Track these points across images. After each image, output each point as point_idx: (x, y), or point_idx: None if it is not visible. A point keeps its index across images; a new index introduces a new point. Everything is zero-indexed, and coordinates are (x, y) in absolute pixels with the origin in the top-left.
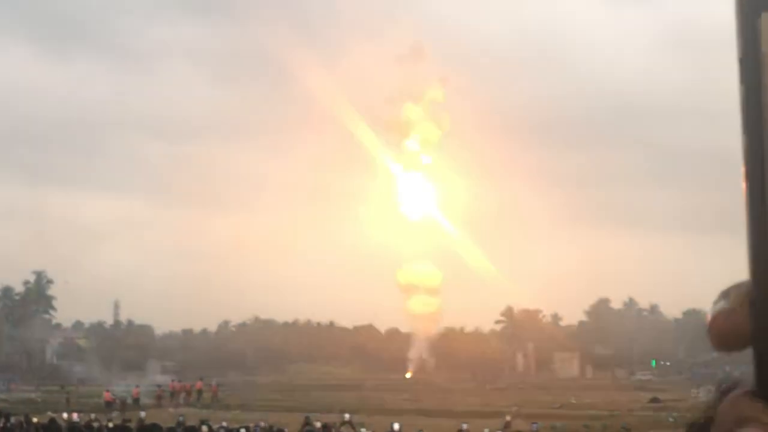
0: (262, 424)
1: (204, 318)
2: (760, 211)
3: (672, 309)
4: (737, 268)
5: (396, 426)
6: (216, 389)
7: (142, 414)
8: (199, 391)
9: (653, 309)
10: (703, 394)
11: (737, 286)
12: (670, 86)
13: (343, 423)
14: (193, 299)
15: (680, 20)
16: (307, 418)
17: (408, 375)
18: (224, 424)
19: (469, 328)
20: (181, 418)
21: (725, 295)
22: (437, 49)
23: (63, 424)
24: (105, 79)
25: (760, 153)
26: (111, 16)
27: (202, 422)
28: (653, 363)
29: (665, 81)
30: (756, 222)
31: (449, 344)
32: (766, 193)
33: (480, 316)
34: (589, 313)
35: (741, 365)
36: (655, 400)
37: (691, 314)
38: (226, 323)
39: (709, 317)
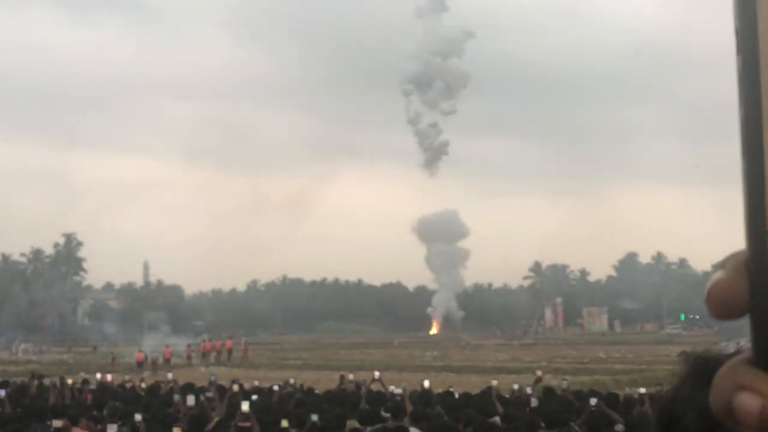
0: (292, 381)
1: (232, 278)
2: (755, 178)
3: (700, 262)
4: None
5: (426, 383)
6: (246, 348)
7: (170, 375)
8: (230, 350)
9: (681, 263)
10: (732, 348)
11: (733, 256)
12: (698, 39)
13: (373, 380)
14: (222, 260)
15: None
16: (342, 377)
17: (433, 332)
18: (255, 383)
19: (497, 284)
20: (212, 377)
21: (722, 265)
22: (460, 3)
23: (97, 386)
24: (131, 40)
25: (757, 122)
26: None
27: (233, 381)
28: (682, 317)
29: (692, 33)
30: (752, 187)
31: (477, 300)
32: (765, 158)
33: (508, 271)
34: (617, 268)
35: None
36: (684, 353)
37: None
38: (254, 283)
39: (707, 287)
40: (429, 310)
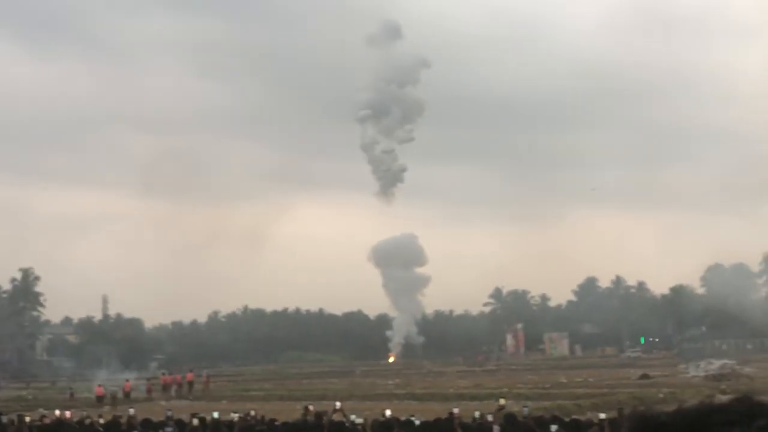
0: (253, 413)
1: (193, 310)
2: None
3: (658, 285)
4: (721, 244)
5: (388, 412)
6: (207, 380)
7: (131, 411)
8: (190, 383)
9: (640, 286)
10: (692, 370)
11: None
12: (653, 65)
13: (335, 411)
14: (181, 292)
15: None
16: (305, 408)
17: (391, 360)
18: (215, 415)
19: (458, 311)
20: (169, 413)
21: None
22: (413, 31)
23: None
24: (88, 74)
25: None
26: (93, 12)
27: (193, 415)
28: (642, 340)
29: (645, 59)
30: None
31: (438, 327)
32: None
33: (468, 298)
34: (577, 293)
35: (728, 339)
36: (644, 376)
37: (678, 290)
38: (215, 314)
39: None
40: (389, 333)
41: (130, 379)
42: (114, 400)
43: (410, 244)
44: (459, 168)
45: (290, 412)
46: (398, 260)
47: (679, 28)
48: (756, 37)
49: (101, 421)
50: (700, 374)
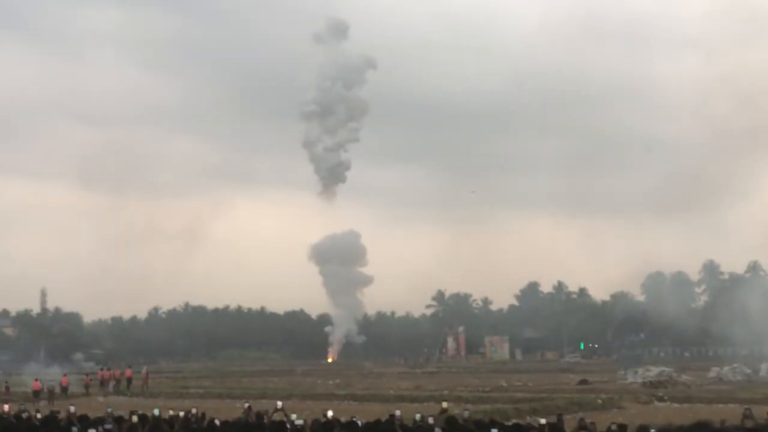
0: (194, 411)
1: (133, 305)
2: None
3: (599, 292)
4: (663, 252)
5: (330, 413)
6: (146, 377)
7: (72, 408)
8: (129, 379)
9: (581, 292)
10: (630, 376)
11: None
12: (595, 74)
13: (276, 410)
14: (121, 287)
15: (602, 9)
16: (248, 407)
17: (330, 360)
18: (156, 412)
19: (399, 313)
20: (109, 409)
21: None
22: (361, 31)
23: None
24: (31, 63)
25: None
26: (41, 1)
27: (132, 412)
28: (581, 345)
29: (588, 68)
30: None
31: (379, 328)
32: None
33: (410, 300)
34: (519, 297)
35: (666, 347)
36: (583, 381)
37: (619, 297)
38: (155, 310)
39: None
40: (327, 329)
41: (67, 373)
42: (51, 395)
43: (352, 242)
44: (402, 170)
45: (229, 410)
46: (339, 258)
47: (623, 38)
48: (698, 48)
49: (38, 415)
50: (638, 381)
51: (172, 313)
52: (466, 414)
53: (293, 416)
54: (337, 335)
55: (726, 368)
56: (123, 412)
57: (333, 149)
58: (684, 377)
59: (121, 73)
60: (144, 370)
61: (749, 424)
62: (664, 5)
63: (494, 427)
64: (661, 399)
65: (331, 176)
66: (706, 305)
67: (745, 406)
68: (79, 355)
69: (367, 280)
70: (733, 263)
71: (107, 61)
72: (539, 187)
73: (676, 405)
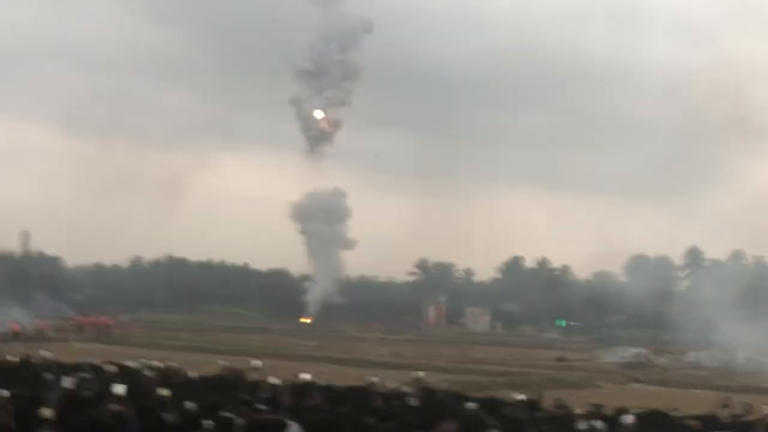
0: (173, 365)
1: (116, 253)
2: None
3: (583, 270)
4: (650, 232)
5: (306, 376)
6: (125, 326)
7: (47, 353)
8: (107, 327)
9: (564, 269)
10: (608, 356)
11: None
12: (593, 54)
13: (253, 369)
14: (105, 234)
15: None
16: (226, 366)
17: (308, 321)
18: (131, 363)
19: (382, 278)
20: (89, 359)
21: None
22: None
23: None
24: (28, 5)
25: None
26: None
27: (109, 362)
28: (562, 322)
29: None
30: None
31: (361, 292)
32: None
33: (394, 266)
34: (502, 270)
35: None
36: (561, 359)
37: (602, 276)
38: (138, 260)
39: None
40: (306, 284)
41: (46, 317)
42: (27, 339)
43: (336, 200)
44: (391, 136)
45: (205, 365)
46: (321, 215)
47: (617, 20)
48: (687, 34)
49: (11, 358)
50: (615, 361)
51: (155, 264)
52: (443, 385)
53: (271, 379)
54: (315, 295)
55: (703, 353)
56: (99, 360)
57: (321, 110)
58: (661, 360)
59: (119, 21)
60: (123, 318)
61: (726, 414)
62: None
63: (472, 401)
64: (637, 380)
65: (319, 137)
66: (687, 290)
67: (724, 395)
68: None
69: (350, 243)
70: (717, 250)
71: (106, 9)
72: (527, 161)
73: (652, 387)
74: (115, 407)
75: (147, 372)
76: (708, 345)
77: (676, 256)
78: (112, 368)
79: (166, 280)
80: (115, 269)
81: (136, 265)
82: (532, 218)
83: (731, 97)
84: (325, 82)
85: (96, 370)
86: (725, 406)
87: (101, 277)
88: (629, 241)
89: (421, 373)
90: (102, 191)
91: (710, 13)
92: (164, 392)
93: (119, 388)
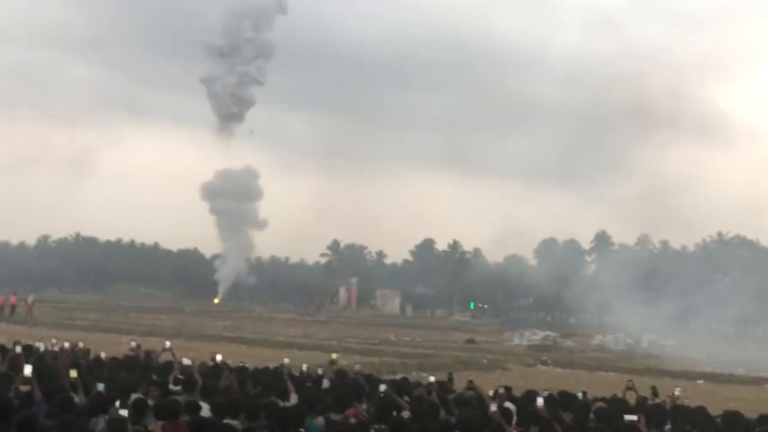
0: (81, 345)
1: (21, 231)
2: None
3: (494, 254)
4: (561, 218)
5: (219, 357)
6: (32, 305)
7: None
8: (13, 307)
9: (476, 252)
10: (516, 339)
11: None
12: (515, 39)
13: (164, 350)
14: (10, 211)
15: None
16: (138, 345)
17: (216, 300)
18: (38, 344)
19: (294, 259)
20: None
21: None
22: None
23: None
24: None
25: None
26: None
27: (15, 342)
28: (471, 305)
29: (510, 34)
30: None
31: (272, 273)
32: None
33: (306, 248)
34: (413, 253)
35: (554, 311)
36: (470, 341)
37: (512, 260)
38: (45, 238)
39: None
40: (216, 263)
41: None
42: None
43: (247, 179)
44: (304, 117)
45: (115, 345)
46: (232, 193)
47: (532, 6)
48: (602, 23)
49: None
50: (523, 343)
51: (62, 243)
52: (357, 367)
53: (184, 360)
54: (225, 274)
55: (609, 337)
56: (4, 340)
57: (233, 88)
58: (568, 343)
59: None
60: (30, 298)
61: (631, 396)
62: None
63: (383, 384)
64: (544, 363)
65: (230, 116)
66: (588, 274)
67: (628, 378)
68: None
69: (261, 224)
70: (625, 235)
71: None
72: (437, 144)
73: (558, 369)
74: (22, 388)
75: (55, 353)
76: (603, 328)
77: (585, 241)
78: (18, 349)
79: (75, 259)
80: (21, 247)
81: (43, 243)
82: (443, 201)
83: (633, 85)
84: (238, 60)
85: (1, 350)
86: (629, 388)
87: (6, 255)
88: (538, 224)
89: (335, 355)
90: (7, 168)
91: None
92: (73, 373)
93: (26, 369)
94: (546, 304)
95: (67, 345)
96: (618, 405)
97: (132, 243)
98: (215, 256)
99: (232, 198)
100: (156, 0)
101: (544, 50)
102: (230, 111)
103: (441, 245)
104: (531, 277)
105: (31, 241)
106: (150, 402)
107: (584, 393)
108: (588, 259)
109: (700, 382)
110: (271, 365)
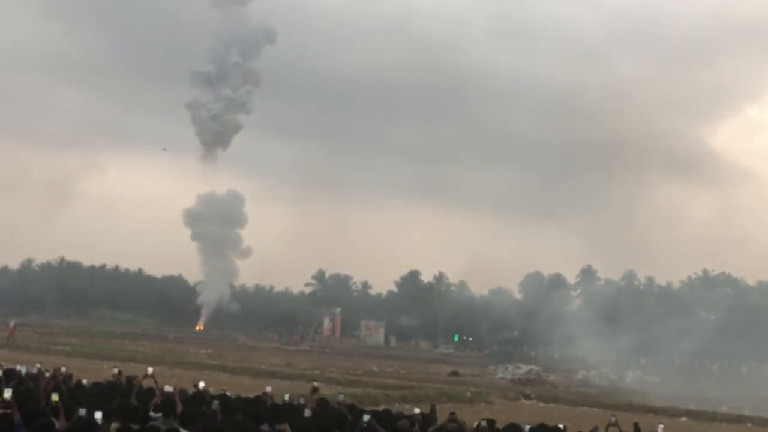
0: (64, 369)
1: (5, 255)
2: None
3: (479, 287)
4: (544, 252)
5: (201, 384)
6: (13, 329)
7: None
8: None
9: (461, 285)
10: (500, 372)
11: None
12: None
13: (146, 376)
14: None
15: (511, 9)
16: (119, 372)
17: (199, 328)
18: (18, 367)
19: (279, 288)
20: None
21: None
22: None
23: None
24: None
25: None
26: None
27: None
28: (456, 338)
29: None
30: None
31: (257, 302)
32: None
33: (291, 277)
34: (398, 284)
35: (538, 346)
36: (454, 373)
37: (497, 293)
38: (29, 262)
39: None
40: (198, 287)
41: None
42: None
43: (231, 202)
44: (289, 145)
45: (97, 371)
46: (216, 218)
47: (523, 38)
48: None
49: None
50: (507, 377)
51: (46, 267)
52: (341, 397)
53: (166, 387)
54: (207, 300)
55: (593, 372)
56: None
57: (218, 114)
58: (552, 377)
59: (18, 19)
60: (12, 322)
61: (614, 431)
62: (556, 8)
63: (366, 414)
64: (528, 397)
65: (214, 141)
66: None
67: (612, 414)
68: None
69: (245, 251)
70: (611, 270)
71: (4, 6)
72: (428, 177)
73: (541, 404)
74: (1, 411)
75: (36, 376)
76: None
77: (570, 275)
78: None
79: (58, 284)
80: (4, 271)
81: (27, 267)
82: (429, 234)
83: (608, 121)
84: (223, 87)
85: None
86: (612, 424)
87: None
88: (522, 258)
89: (316, 383)
90: None
91: (596, 35)
92: (55, 397)
93: (6, 392)
94: (528, 338)
95: (47, 369)
96: None
97: (116, 268)
98: (199, 283)
99: (215, 223)
100: (143, 26)
101: (521, 82)
102: (214, 137)
103: (426, 276)
104: (516, 311)
105: (14, 264)
106: (132, 428)
107: (564, 427)
108: (573, 293)
109: (684, 419)
110: (254, 393)
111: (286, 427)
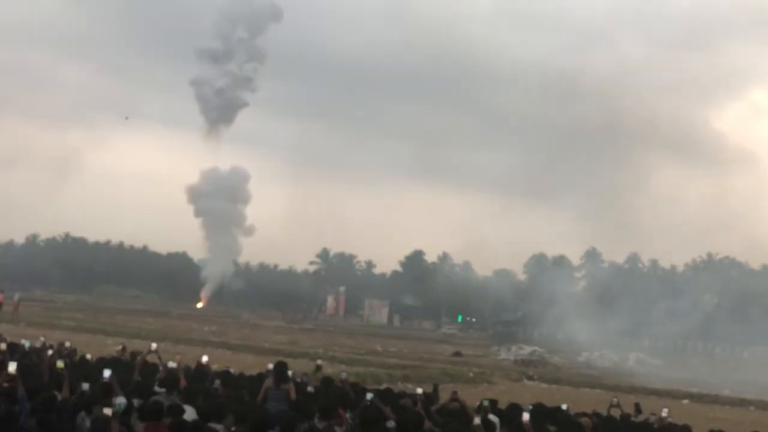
0: (68, 344)
1: (11, 229)
2: None
3: (483, 268)
4: (548, 234)
5: (204, 358)
6: (17, 304)
7: None
8: None
9: (465, 266)
10: (503, 353)
11: None
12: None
13: (149, 352)
14: (1, 209)
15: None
16: (123, 347)
17: (200, 305)
18: (23, 341)
19: (283, 266)
20: None
21: None
22: None
23: None
24: None
25: None
26: None
27: (1, 339)
28: (459, 318)
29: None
30: None
31: (260, 279)
32: None
33: (295, 255)
34: (403, 264)
35: (542, 327)
36: (457, 354)
37: (501, 274)
38: (34, 237)
39: None
40: (201, 265)
41: None
42: None
43: (236, 179)
44: (294, 124)
45: (101, 346)
46: (220, 195)
47: (535, 23)
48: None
49: None
50: (510, 358)
51: (51, 242)
52: (344, 375)
53: (170, 363)
54: (210, 276)
55: (596, 354)
56: None
57: (223, 89)
58: (555, 359)
59: None
60: (16, 296)
61: (616, 413)
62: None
63: (369, 393)
64: (530, 378)
65: (218, 118)
66: (583, 290)
67: (614, 395)
68: None
69: (249, 229)
70: (615, 253)
71: None
72: (435, 158)
73: (544, 385)
74: (6, 385)
75: (40, 351)
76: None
77: (575, 258)
78: (3, 346)
79: (63, 259)
80: (9, 246)
81: (31, 242)
82: (435, 214)
83: (614, 102)
84: (229, 64)
85: None
86: (614, 405)
87: None
88: (526, 240)
89: (319, 362)
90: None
91: (598, 17)
92: (60, 364)
93: (11, 366)
94: (531, 319)
95: (52, 344)
96: (603, 420)
97: (121, 245)
98: (204, 260)
99: (219, 199)
100: (149, 1)
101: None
102: (218, 113)
103: (431, 257)
104: (520, 292)
105: (19, 239)
106: (134, 403)
107: (566, 408)
108: (578, 275)
109: (686, 401)
110: (258, 371)
111: (290, 386)
